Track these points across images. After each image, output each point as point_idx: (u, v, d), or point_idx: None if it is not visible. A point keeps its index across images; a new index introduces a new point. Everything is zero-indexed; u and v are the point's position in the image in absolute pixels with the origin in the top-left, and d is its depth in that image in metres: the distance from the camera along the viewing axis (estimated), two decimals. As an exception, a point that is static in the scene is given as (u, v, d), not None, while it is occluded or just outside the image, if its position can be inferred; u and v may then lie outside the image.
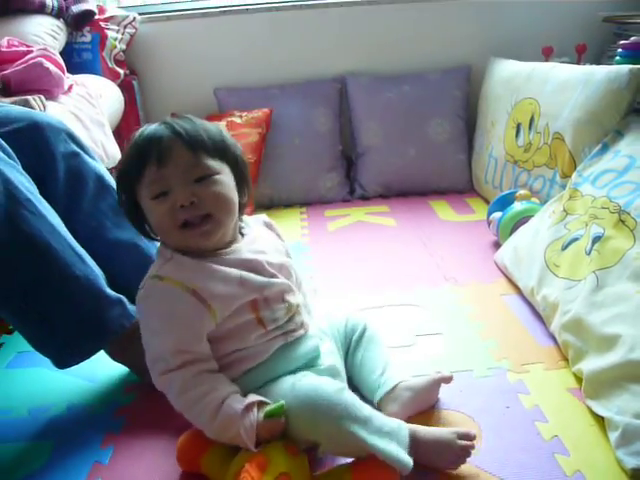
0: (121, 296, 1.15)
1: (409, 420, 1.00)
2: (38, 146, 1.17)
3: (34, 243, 1.03)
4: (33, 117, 1.19)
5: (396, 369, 1.11)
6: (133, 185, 0.93)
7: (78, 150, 1.23)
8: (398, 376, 1.09)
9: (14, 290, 1.04)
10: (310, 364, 1.01)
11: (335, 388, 0.90)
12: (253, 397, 0.91)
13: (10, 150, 1.07)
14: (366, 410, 0.91)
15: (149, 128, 0.94)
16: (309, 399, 0.88)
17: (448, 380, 1.10)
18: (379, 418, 0.91)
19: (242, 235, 1.03)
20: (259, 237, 1.05)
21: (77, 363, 1.13)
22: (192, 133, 0.92)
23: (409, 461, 0.87)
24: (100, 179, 1.24)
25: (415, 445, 0.91)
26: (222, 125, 1.00)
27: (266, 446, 0.88)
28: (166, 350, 0.91)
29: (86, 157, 1.24)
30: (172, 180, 0.90)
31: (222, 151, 0.95)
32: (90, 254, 1.15)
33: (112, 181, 1.26)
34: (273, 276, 0.99)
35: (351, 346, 1.15)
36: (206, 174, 0.92)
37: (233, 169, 0.97)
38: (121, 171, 0.96)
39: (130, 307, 1.16)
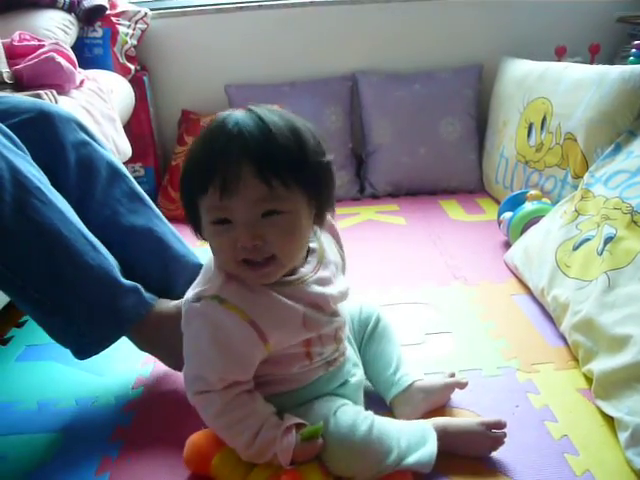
0: (136, 284, 1.13)
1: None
2: (48, 136, 1.16)
3: (44, 232, 1.02)
4: (42, 107, 1.18)
5: (409, 365, 1.11)
6: (194, 193, 0.82)
7: (88, 139, 1.22)
8: (412, 375, 1.08)
9: (27, 281, 1.03)
10: (342, 384, 1.00)
11: (368, 424, 0.89)
12: (291, 419, 0.89)
13: (19, 141, 1.07)
14: (394, 432, 0.92)
15: (222, 125, 0.79)
16: (346, 438, 0.87)
17: (462, 386, 1.09)
18: (406, 433, 0.93)
19: (308, 251, 0.92)
20: (324, 252, 0.96)
21: (96, 353, 1.12)
22: (265, 153, 0.76)
23: (432, 463, 0.91)
24: (111, 166, 1.23)
25: (446, 441, 0.94)
26: (300, 121, 0.84)
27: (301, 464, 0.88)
28: (211, 374, 0.86)
29: (96, 145, 1.23)
30: (236, 213, 0.78)
31: (300, 173, 0.79)
32: (105, 242, 1.13)
33: (124, 168, 1.26)
34: (334, 314, 0.93)
35: (365, 337, 1.13)
36: (277, 210, 0.79)
37: (313, 192, 0.83)
38: (185, 177, 0.83)
39: (147, 295, 1.13)
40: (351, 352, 1.07)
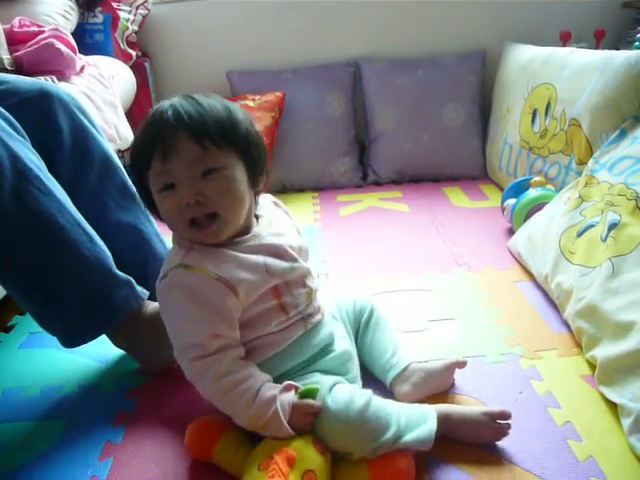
0: (129, 277, 1.14)
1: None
2: (46, 117, 1.14)
3: (42, 221, 1.02)
4: (43, 87, 1.17)
5: (406, 350, 1.11)
6: (143, 172, 0.90)
7: (87, 125, 1.21)
8: (409, 357, 1.09)
9: (22, 268, 1.04)
10: (325, 350, 1.01)
11: (365, 399, 0.89)
12: (290, 383, 0.92)
13: (19, 126, 1.06)
14: (393, 409, 0.92)
15: (159, 109, 0.89)
16: (342, 412, 0.88)
17: (462, 365, 1.09)
18: (406, 412, 0.93)
19: (257, 217, 1.00)
20: (274, 218, 1.03)
21: (85, 342, 1.13)
22: (197, 121, 0.86)
23: (431, 440, 0.91)
24: (107, 158, 1.22)
25: (449, 429, 0.95)
26: (235, 105, 0.94)
27: (295, 439, 0.87)
28: (202, 335, 0.88)
29: (95, 133, 1.22)
30: (177, 174, 0.86)
31: (231, 137, 0.88)
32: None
33: (118, 161, 1.26)
34: (295, 260, 0.98)
35: (360, 328, 1.15)
36: (213, 167, 0.86)
37: (245, 154, 0.91)
38: (132, 156, 0.92)
39: (138, 288, 1.15)
40: (339, 327, 1.09)
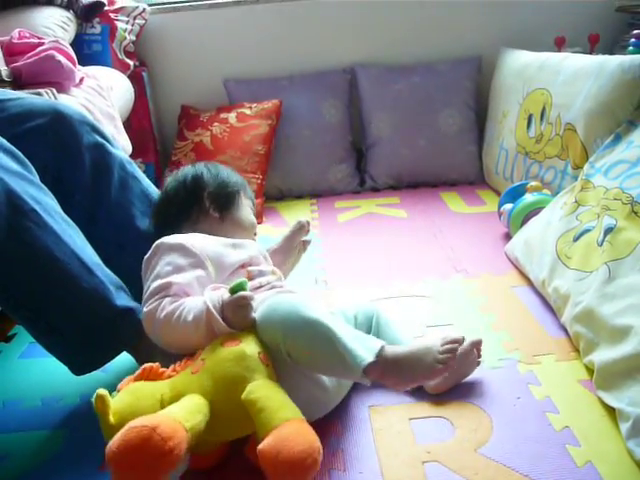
0: (132, 306, 1.13)
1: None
2: (64, 140, 1.17)
3: (38, 255, 1.02)
4: (57, 110, 1.18)
5: None
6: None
7: (101, 141, 1.23)
8: None
9: (21, 301, 1.04)
10: None
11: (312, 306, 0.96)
12: (216, 284, 1.03)
13: (22, 156, 1.05)
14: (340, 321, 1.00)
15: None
16: (284, 301, 0.97)
17: (478, 344, 1.12)
18: (352, 329, 1.00)
19: None
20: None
21: (92, 370, 1.14)
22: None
23: (366, 359, 0.92)
24: (124, 168, 1.25)
25: (384, 361, 0.95)
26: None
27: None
28: (168, 274, 1.01)
29: (109, 147, 1.24)
30: None
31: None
32: (120, 244, 1.18)
33: (136, 170, 1.29)
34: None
35: (372, 332, 1.15)
36: None
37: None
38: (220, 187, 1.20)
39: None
40: None
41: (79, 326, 1.08)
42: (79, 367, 1.13)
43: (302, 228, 1.30)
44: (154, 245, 1.07)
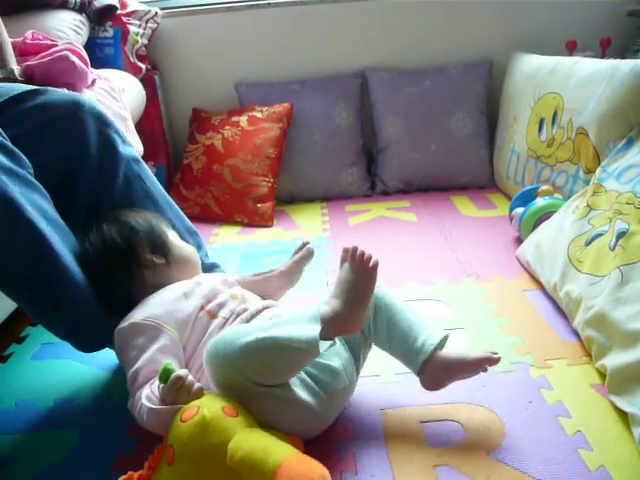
0: None
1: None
2: (76, 135, 1.16)
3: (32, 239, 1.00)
4: (76, 100, 1.19)
5: (427, 331, 1.08)
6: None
7: (114, 137, 1.22)
8: (431, 343, 1.05)
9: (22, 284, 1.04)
10: None
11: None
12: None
13: (15, 150, 1.02)
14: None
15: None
16: (218, 341, 0.93)
17: (493, 362, 1.02)
18: (290, 315, 0.97)
19: None
20: None
21: (97, 350, 1.14)
22: None
23: (314, 334, 0.89)
24: (130, 168, 1.24)
25: (330, 319, 0.93)
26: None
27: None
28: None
29: (119, 145, 1.23)
30: None
31: None
32: None
33: (142, 169, 1.27)
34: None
35: (371, 320, 1.12)
36: None
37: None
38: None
39: None
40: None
41: (80, 309, 1.07)
42: (83, 346, 1.13)
43: (310, 254, 1.27)
44: (114, 336, 1.03)
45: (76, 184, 1.15)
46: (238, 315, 1.08)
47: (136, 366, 0.98)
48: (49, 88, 1.22)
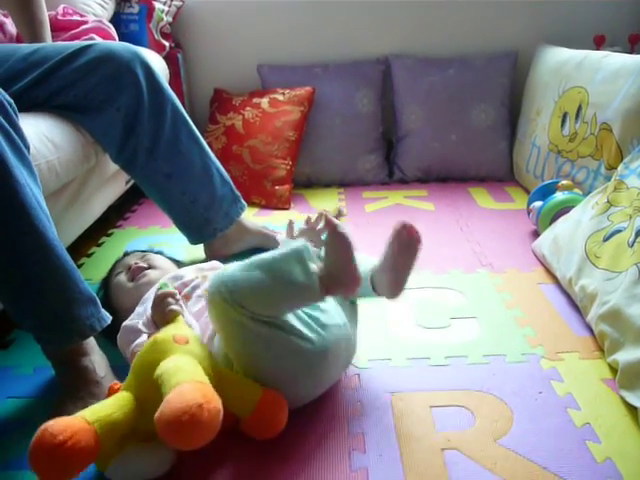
0: (95, 296, 1.11)
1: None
2: (136, 81, 1.38)
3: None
4: (137, 53, 1.41)
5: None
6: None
7: (159, 82, 1.43)
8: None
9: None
10: None
11: None
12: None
13: (14, 135, 1.01)
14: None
15: None
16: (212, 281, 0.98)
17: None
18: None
19: None
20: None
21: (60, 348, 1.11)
22: None
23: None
24: (176, 113, 1.46)
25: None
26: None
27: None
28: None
29: (165, 88, 1.45)
30: None
31: None
32: (167, 174, 1.45)
33: (183, 114, 1.49)
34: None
35: None
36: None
37: None
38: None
39: (103, 311, 1.13)
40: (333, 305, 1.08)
41: (41, 303, 1.05)
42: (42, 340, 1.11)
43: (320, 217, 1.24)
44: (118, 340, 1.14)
45: (136, 129, 1.39)
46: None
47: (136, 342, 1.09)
48: (95, 42, 1.42)
